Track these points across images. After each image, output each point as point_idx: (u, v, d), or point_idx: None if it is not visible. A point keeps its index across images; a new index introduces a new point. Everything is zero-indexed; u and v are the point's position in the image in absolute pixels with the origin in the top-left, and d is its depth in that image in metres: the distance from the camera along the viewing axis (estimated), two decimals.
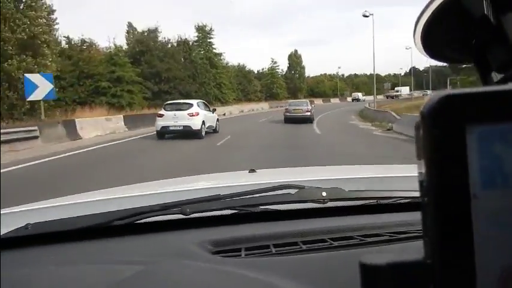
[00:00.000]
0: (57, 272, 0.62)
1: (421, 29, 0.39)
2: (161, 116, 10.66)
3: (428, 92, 52.08)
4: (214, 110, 12.46)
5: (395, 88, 58.95)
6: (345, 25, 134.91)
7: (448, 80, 48.12)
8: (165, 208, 0.74)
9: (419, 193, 0.28)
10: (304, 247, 0.66)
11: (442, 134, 0.26)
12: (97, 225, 0.72)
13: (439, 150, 0.26)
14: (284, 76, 53.63)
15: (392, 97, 49.96)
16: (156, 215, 0.73)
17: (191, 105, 11.02)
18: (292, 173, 1.46)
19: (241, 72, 42.77)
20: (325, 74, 71.38)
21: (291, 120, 16.51)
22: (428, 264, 0.27)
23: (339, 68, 73.53)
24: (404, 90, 58.41)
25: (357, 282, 0.28)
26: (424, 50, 0.42)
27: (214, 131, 11.60)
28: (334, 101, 48.06)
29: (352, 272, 0.50)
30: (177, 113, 10.57)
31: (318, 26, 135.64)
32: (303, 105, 18.02)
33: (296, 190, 0.77)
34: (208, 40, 35.06)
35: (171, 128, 10.38)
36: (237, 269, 0.59)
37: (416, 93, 53.78)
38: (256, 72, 49.13)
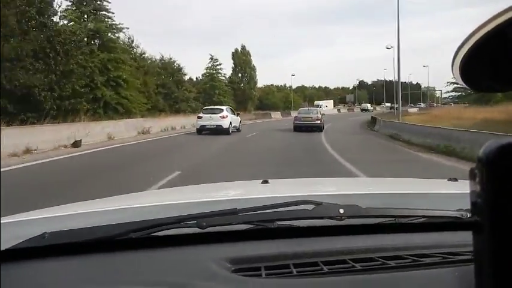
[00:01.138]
0: None
1: (461, 58, 0.40)
2: (200, 117, 15.72)
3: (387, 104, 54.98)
4: (238, 114, 18.21)
5: (362, 104, 65.51)
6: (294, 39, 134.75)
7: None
8: (181, 221, 0.76)
9: (472, 214, 0.29)
10: (325, 269, 0.68)
11: (497, 184, 0.26)
12: (113, 237, 0.74)
13: (495, 191, 0.26)
14: (229, 80, 35.29)
15: (364, 110, 54.43)
16: (172, 227, 0.75)
17: (222, 110, 16.22)
18: (306, 185, 1.49)
19: (166, 69, 28.72)
20: (273, 84, 66.30)
21: (300, 128, 16.67)
22: None
23: (293, 75, 73.93)
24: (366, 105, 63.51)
25: None
26: (463, 81, 0.43)
27: (238, 130, 16.71)
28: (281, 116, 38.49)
29: None
30: (212, 115, 15.43)
31: (264, 39, 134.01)
32: (313, 113, 18.13)
33: (313, 206, 0.78)
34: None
35: (207, 127, 15.17)
36: None
37: (379, 108, 56.17)
38: (194, 79, 39.09)
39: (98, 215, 0.89)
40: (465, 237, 0.68)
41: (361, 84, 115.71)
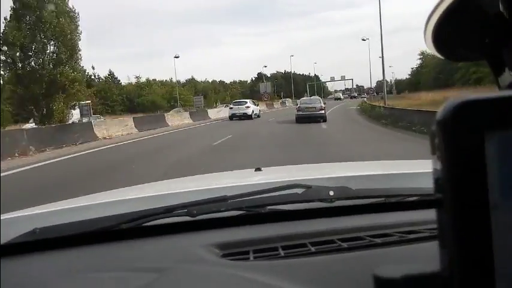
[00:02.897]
0: (68, 280, 0.67)
1: (432, 28, 0.40)
2: (231, 108, 23.98)
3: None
4: (258, 104, 27.53)
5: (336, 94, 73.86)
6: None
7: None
8: (171, 210, 0.79)
9: (435, 191, 0.27)
10: (313, 249, 0.71)
11: (459, 142, 0.25)
12: (104, 229, 0.79)
13: (455, 159, 0.25)
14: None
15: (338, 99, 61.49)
16: (163, 217, 0.80)
17: (246, 102, 24.91)
18: (299, 171, 1.58)
19: None
20: (155, 79, 59.98)
21: (303, 119, 16.88)
22: (445, 277, 0.26)
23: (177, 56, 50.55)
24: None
25: (369, 285, 0.27)
26: (436, 50, 0.44)
27: (258, 116, 24.06)
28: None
29: (362, 275, 0.55)
30: (239, 106, 23.57)
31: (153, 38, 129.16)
32: (316, 103, 18.11)
33: (303, 189, 0.82)
34: None
35: (236, 114, 22.76)
36: (246, 273, 0.62)
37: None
38: None
39: (89, 209, 0.92)
40: None
41: (260, 77, 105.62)
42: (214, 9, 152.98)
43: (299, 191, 0.82)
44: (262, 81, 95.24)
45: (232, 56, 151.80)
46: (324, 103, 18.72)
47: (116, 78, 57.22)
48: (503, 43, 0.38)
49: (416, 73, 58.76)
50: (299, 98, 46.28)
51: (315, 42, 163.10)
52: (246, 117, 22.59)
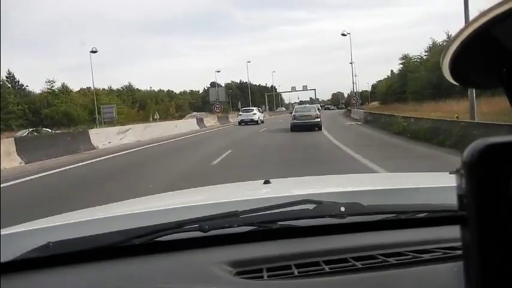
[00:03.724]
0: None
1: (450, 56, 0.43)
2: (240, 115, 29.28)
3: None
4: (263, 111, 36.85)
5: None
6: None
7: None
8: (183, 225, 0.81)
9: (459, 209, 0.30)
10: (327, 268, 0.72)
11: (483, 184, 0.26)
12: (116, 244, 0.81)
13: (480, 202, 0.26)
14: None
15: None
16: (175, 232, 0.81)
17: (253, 109, 30.24)
18: (308, 184, 1.62)
19: None
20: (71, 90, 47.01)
21: (299, 127, 16.84)
22: None
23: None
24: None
25: None
26: (452, 77, 0.46)
27: (262, 122, 28.24)
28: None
29: None
30: (247, 113, 28.78)
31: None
32: (312, 111, 18.04)
33: (314, 205, 0.84)
34: None
35: (245, 120, 27.35)
36: None
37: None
38: None
39: (100, 222, 0.93)
40: None
41: (213, 86, 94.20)
42: (169, 21, 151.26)
43: (310, 206, 0.83)
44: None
45: (188, 67, 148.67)
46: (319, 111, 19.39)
47: (18, 82, 43.27)
48: None
49: (397, 79, 49.33)
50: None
51: (272, 55, 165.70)
52: (253, 122, 26.78)
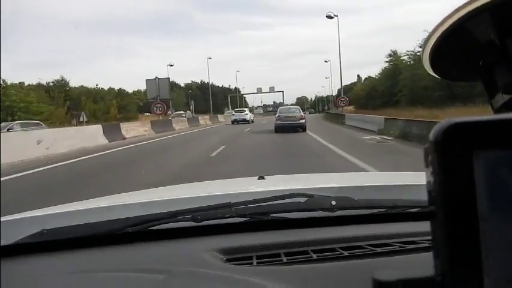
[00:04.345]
0: (74, 280, 0.69)
1: (429, 50, 0.44)
2: (233, 114, 33.55)
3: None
4: (252, 112, 44.14)
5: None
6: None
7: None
8: (176, 215, 0.82)
9: (428, 204, 0.30)
10: (314, 256, 0.74)
11: (449, 160, 0.27)
12: (111, 232, 0.81)
13: (447, 174, 0.27)
14: None
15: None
16: (168, 222, 0.82)
17: (245, 110, 35.48)
18: (301, 180, 1.59)
19: None
20: None
21: (283, 129, 16.63)
22: (438, 281, 0.28)
23: None
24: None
25: None
26: (432, 70, 0.48)
27: (252, 121, 32.14)
28: None
29: (362, 282, 0.57)
30: (240, 113, 33.04)
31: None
32: (296, 112, 18.05)
33: (306, 198, 0.85)
34: None
35: (238, 119, 30.95)
36: (249, 278, 0.65)
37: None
38: None
39: (95, 212, 0.93)
40: None
41: (173, 85, 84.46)
42: (130, 20, 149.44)
43: (302, 199, 0.84)
44: (173, 90, 77.70)
45: (149, 68, 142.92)
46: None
47: None
48: (495, 66, 0.42)
49: (383, 80, 41.36)
50: (219, 113, 47.28)
51: (236, 59, 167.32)
52: (244, 122, 30.20)
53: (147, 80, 23.84)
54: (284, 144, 11.16)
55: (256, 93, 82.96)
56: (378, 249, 0.74)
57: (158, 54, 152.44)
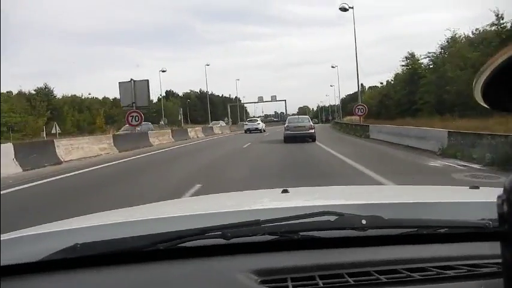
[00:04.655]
0: None
1: (482, 82, 0.46)
2: (246, 124, 36.19)
3: None
4: (264, 122, 45.07)
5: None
6: None
7: None
8: (206, 231, 0.81)
9: (499, 225, 0.34)
10: (351, 281, 0.72)
11: None
12: (141, 248, 0.81)
13: None
14: None
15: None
16: (198, 239, 0.81)
17: (257, 120, 39.60)
18: (326, 194, 1.60)
19: None
20: None
21: (292, 139, 16.34)
22: None
23: None
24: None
25: None
26: (485, 103, 0.50)
27: (264, 130, 33.46)
28: None
29: None
30: (253, 123, 35.54)
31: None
32: (305, 122, 17.74)
33: (336, 217, 0.83)
34: None
35: (251, 128, 33.00)
36: None
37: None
38: None
39: (125, 225, 0.94)
40: (489, 248, 0.78)
41: (168, 95, 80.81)
42: (130, 32, 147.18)
43: (331, 218, 0.82)
44: (167, 100, 73.68)
45: (150, 80, 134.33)
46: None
47: None
48: None
49: (399, 87, 36.55)
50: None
51: (237, 69, 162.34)
52: (257, 130, 31.78)
53: (120, 83, 18.46)
54: (303, 180, 6.40)
55: (258, 102, 78.39)
56: (416, 275, 0.72)
57: (159, 64, 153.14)
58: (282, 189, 1.34)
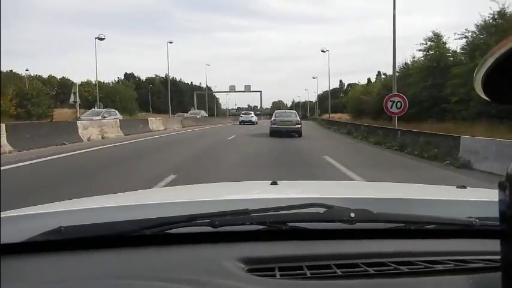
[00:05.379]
0: (91, 284, 0.67)
1: (483, 73, 0.45)
2: (241, 116, 40.85)
3: None
4: (257, 114, 50.34)
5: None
6: None
7: None
8: (194, 219, 0.81)
9: (500, 223, 0.34)
10: (339, 272, 0.72)
11: None
12: (127, 233, 0.80)
13: None
14: None
15: None
16: (186, 226, 0.81)
17: (251, 113, 44.37)
18: (315, 188, 1.58)
19: None
20: None
21: (278, 133, 16.55)
22: None
23: None
24: None
25: None
26: (485, 95, 0.49)
27: (256, 123, 37.24)
28: None
29: None
30: (247, 116, 40.10)
31: None
32: (292, 117, 17.86)
33: (325, 209, 0.82)
34: None
35: (245, 120, 37.51)
36: None
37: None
38: None
39: (112, 210, 0.92)
40: (476, 245, 0.81)
41: (130, 77, 71.26)
42: (106, 16, 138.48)
43: (320, 210, 0.82)
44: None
45: (125, 65, 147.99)
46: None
47: None
48: None
49: (418, 77, 27.91)
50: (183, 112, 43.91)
51: (210, 58, 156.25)
52: (251, 122, 35.33)
53: None
54: None
55: (229, 91, 69.27)
56: (404, 268, 0.72)
57: (134, 50, 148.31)
58: (271, 181, 1.33)
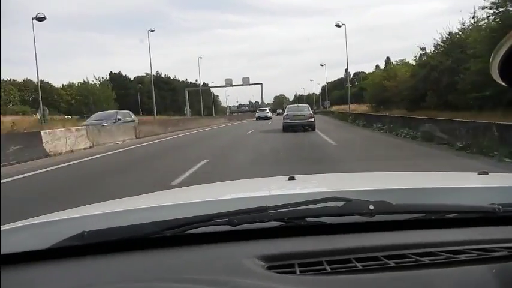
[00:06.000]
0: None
1: (499, 59, 0.44)
2: (257, 112, 48.76)
3: None
4: (270, 110, 53.56)
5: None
6: None
7: None
8: (212, 218, 0.81)
9: None
10: (359, 266, 0.71)
11: None
12: (149, 235, 0.80)
13: None
14: None
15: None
16: (205, 225, 0.81)
17: (266, 109, 50.53)
18: (333, 181, 1.54)
19: None
20: None
21: (291, 127, 16.50)
22: None
23: None
24: None
25: None
26: (502, 80, 0.48)
27: (271, 118, 42.72)
28: None
29: None
30: (263, 112, 46.82)
31: None
32: (305, 110, 17.61)
33: (343, 203, 0.81)
34: None
35: (261, 116, 43.66)
36: (295, 287, 0.64)
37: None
38: None
39: (133, 213, 0.92)
40: (499, 233, 0.79)
41: (117, 76, 64.44)
42: (102, 18, 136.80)
43: (338, 204, 0.81)
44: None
45: (121, 67, 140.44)
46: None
47: None
48: None
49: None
50: (180, 113, 45.29)
51: (208, 56, 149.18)
52: (266, 118, 39.74)
53: None
54: None
55: (226, 85, 61.92)
56: (425, 260, 0.71)
57: (131, 52, 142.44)
58: (288, 176, 1.32)
